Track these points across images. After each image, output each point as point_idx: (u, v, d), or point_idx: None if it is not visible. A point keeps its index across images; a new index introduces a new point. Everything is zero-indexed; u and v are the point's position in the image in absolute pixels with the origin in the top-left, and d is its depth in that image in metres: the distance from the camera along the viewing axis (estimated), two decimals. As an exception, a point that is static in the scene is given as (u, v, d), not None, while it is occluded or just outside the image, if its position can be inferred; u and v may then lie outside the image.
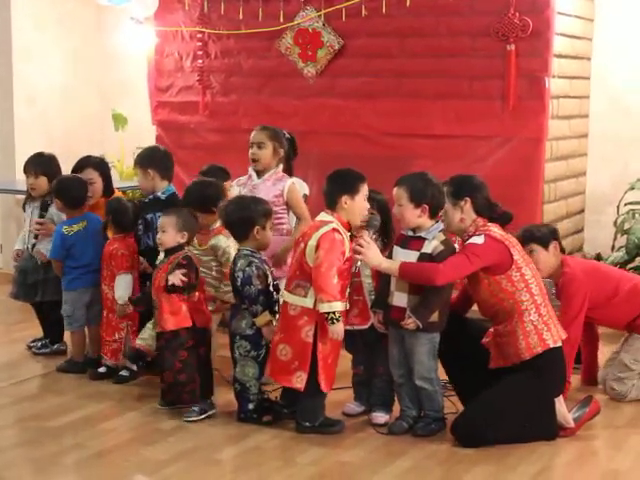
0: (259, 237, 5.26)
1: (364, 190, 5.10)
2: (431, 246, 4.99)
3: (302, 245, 5.07)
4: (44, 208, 6.42)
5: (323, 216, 5.11)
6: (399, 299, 5.04)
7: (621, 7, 7.57)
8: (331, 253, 4.96)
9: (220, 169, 6.37)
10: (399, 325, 5.02)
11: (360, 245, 4.96)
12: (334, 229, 5.01)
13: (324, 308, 4.94)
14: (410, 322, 4.96)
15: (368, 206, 5.14)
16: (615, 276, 5.82)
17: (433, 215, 5.02)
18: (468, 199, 5.06)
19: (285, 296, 5.13)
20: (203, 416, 5.34)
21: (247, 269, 5.19)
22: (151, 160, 6.10)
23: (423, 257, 4.98)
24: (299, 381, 5.05)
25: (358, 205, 5.09)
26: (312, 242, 5.01)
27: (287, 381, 5.11)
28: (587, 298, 5.50)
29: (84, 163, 6.48)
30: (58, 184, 6.22)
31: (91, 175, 6.42)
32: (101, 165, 6.56)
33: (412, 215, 5.01)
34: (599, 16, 7.55)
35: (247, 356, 5.23)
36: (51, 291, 6.39)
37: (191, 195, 5.77)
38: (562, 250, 5.65)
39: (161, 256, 5.63)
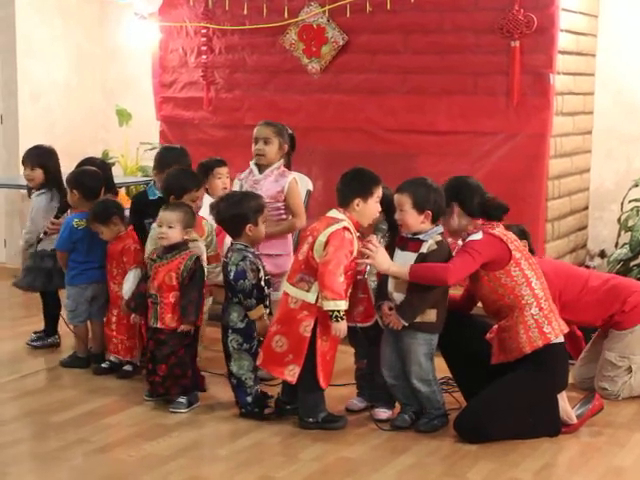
0: (251, 234, 5.28)
1: (378, 193, 5.13)
2: (427, 246, 5.01)
3: (310, 239, 5.07)
4: (62, 210, 6.42)
5: (335, 213, 5.11)
6: (398, 300, 5.05)
7: (626, 3, 7.55)
8: (340, 251, 4.97)
9: (217, 160, 6.41)
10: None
11: (369, 249, 4.97)
12: (345, 227, 5.02)
13: (329, 306, 4.94)
14: (392, 318, 4.97)
15: (379, 209, 5.15)
16: (584, 275, 5.84)
17: (434, 220, 5.06)
18: (454, 204, 5.10)
19: (286, 288, 5.14)
20: (190, 408, 5.41)
21: (241, 263, 5.21)
22: (178, 158, 6.16)
23: (420, 257, 5.01)
24: (291, 374, 5.07)
25: (370, 208, 5.11)
26: (322, 238, 5.01)
27: (279, 372, 5.13)
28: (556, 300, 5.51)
29: (85, 165, 6.47)
30: (74, 176, 6.24)
31: None
32: (102, 166, 6.56)
33: (415, 221, 5.03)
34: (604, 12, 7.53)
35: (240, 349, 5.26)
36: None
37: (172, 185, 5.79)
38: (531, 251, 5.63)
39: (149, 248, 5.73)
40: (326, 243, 4.98)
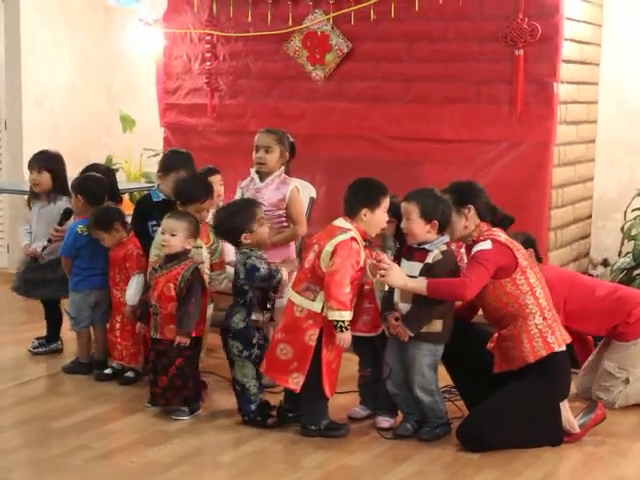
0: (249, 240, 5.27)
1: (385, 203, 5.12)
2: (432, 256, 5.00)
3: (317, 248, 5.06)
4: (66, 217, 6.43)
5: (342, 222, 5.11)
6: (404, 310, 5.05)
7: (630, 13, 7.55)
8: (347, 261, 4.97)
9: (209, 169, 6.45)
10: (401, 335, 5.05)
11: (382, 268, 4.94)
12: (352, 238, 5.03)
13: (334, 316, 4.94)
14: (398, 328, 4.97)
15: (387, 219, 5.15)
16: (590, 284, 5.84)
17: (441, 230, 5.04)
18: (471, 206, 5.08)
19: (292, 296, 5.13)
20: (192, 416, 5.40)
21: (248, 261, 5.21)
22: (185, 162, 6.18)
23: (425, 267, 5.00)
24: (295, 382, 5.07)
25: (377, 218, 5.12)
26: (329, 248, 5.01)
27: (283, 380, 5.12)
28: (561, 306, 5.49)
29: (90, 171, 6.48)
30: (78, 182, 6.25)
31: None
32: (107, 173, 6.57)
33: (421, 230, 5.01)
34: (608, 22, 7.53)
35: (241, 356, 5.25)
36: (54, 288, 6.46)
37: (181, 190, 5.82)
38: (539, 259, 5.63)
39: (153, 253, 5.71)
40: (333, 253, 4.98)
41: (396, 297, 5.08)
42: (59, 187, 6.55)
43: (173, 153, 6.48)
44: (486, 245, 4.98)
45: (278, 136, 6.06)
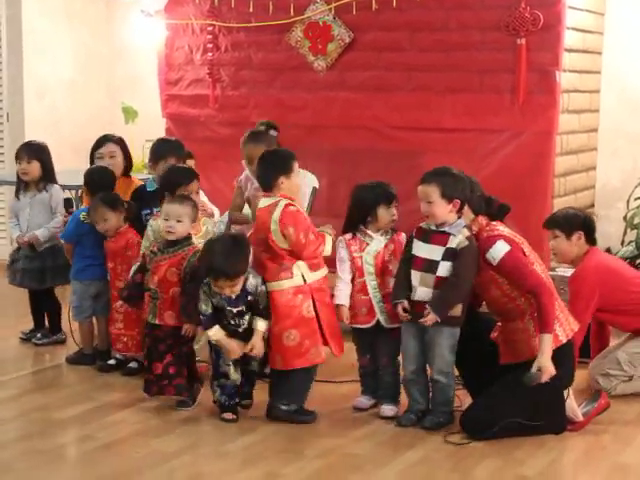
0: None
1: (297, 167, 5.24)
2: (456, 241, 4.96)
3: (264, 238, 5.10)
4: (69, 204, 6.52)
5: (266, 201, 5.17)
6: (423, 294, 5.01)
7: (632, 2, 7.55)
8: (299, 225, 5.07)
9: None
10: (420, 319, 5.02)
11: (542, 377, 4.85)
12: (287, 204, 5.10)
13: (327, 251, 5.16)
14: (430, 317, 4.95)
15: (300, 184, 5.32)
16: (632, 279, 5.74)
17: (461, 209, 5.00)
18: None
19: (269, 287, 5.14)
20: (194, 405, 5.40)
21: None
22: (174, 150, 6.20)
23: (448, 252, 4.95)
24: (315, 355, 5.13)
25: (293, 183, 5.23)
26: (274, 227, 5.07)
27: (302, 362, 5.14)
28: (593, 296, 5.47)
29: (104, 139, 6.59)
30: (85, 173, 6.31)
31: (112, 148, 6.54)
32: (121, 141, 6.65)
33: (444, 211, 4.97)
34: (610, 10, 7.53)
35: None
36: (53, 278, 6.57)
37: (167, 181, 5.76)
38: (593, 241, 5.58)
39: (144, 244, 5.70)
40: (282, 228, 5.04)
41: (415, 281, 5.02)
42: (47, 175, 6.64)
43: (162, 141, 6.50)
44: (504, 248, 4.90)
45: (266, 142, 5.96)
